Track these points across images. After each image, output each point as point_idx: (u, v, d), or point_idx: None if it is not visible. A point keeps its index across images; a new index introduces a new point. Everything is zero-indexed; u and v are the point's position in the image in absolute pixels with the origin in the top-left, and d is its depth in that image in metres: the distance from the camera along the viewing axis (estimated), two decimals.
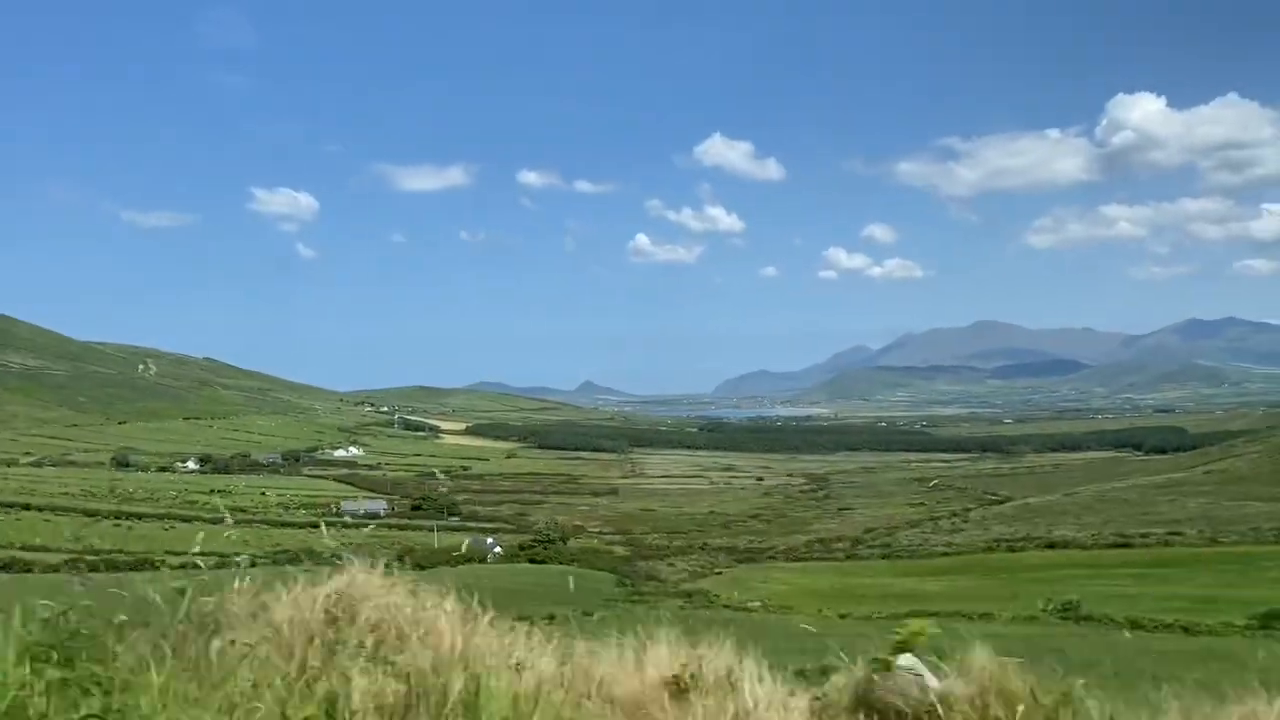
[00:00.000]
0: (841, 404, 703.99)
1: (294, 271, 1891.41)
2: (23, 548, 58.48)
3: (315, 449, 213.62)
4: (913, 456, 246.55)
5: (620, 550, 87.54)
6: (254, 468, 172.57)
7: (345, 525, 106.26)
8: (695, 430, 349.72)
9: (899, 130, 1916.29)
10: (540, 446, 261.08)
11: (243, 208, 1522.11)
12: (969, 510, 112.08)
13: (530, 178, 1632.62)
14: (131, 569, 54.66)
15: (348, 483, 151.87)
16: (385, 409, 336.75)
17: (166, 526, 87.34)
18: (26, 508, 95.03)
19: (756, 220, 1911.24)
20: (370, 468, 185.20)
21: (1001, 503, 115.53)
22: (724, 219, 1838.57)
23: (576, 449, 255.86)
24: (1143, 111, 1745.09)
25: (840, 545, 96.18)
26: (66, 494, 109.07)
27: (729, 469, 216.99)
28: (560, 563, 69.09)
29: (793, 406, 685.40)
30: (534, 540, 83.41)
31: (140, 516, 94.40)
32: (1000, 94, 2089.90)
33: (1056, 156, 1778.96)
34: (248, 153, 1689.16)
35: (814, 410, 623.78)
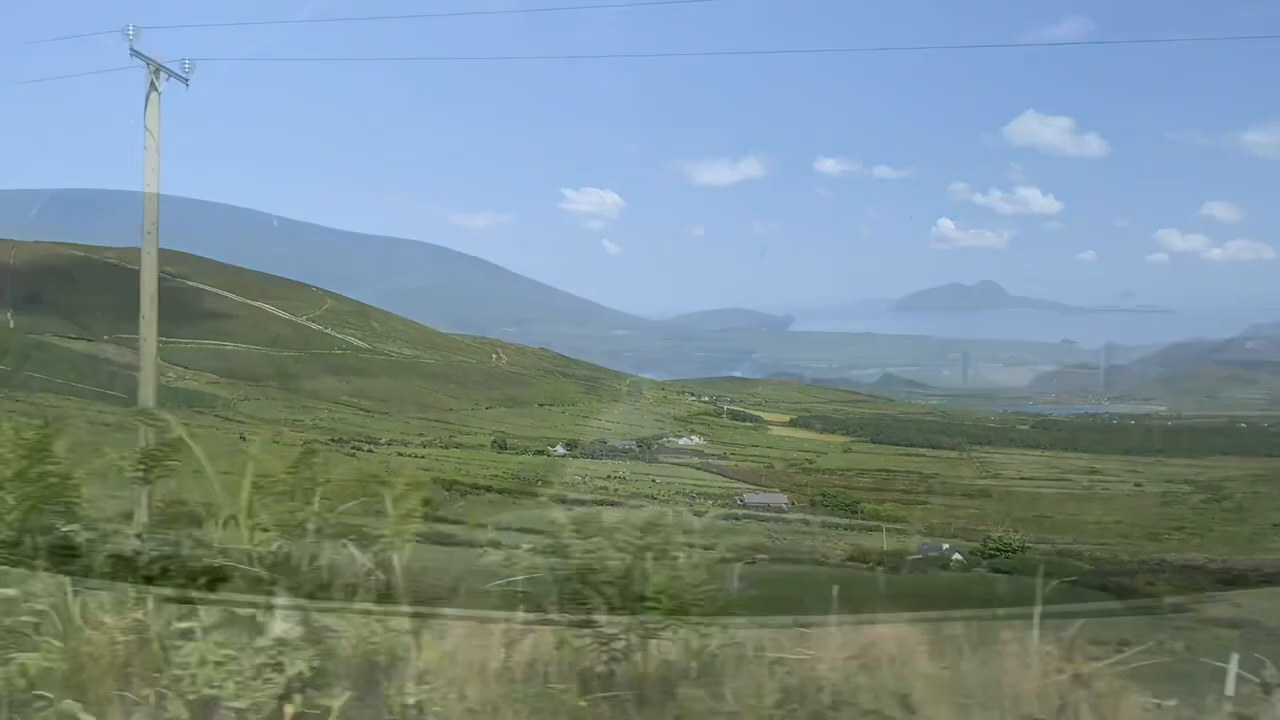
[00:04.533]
0: (1181, 401, 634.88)
1: (602, 265, 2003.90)
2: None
3: (659, 437, 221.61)
4: None
5: (1073, 562, 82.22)
6: (615, 454, 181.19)
7: (756, 519, 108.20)
8: (1026, 427, 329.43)
9: (1243, 95, 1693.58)
10: (872, 441, 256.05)
11: (554, 207, 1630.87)
12: None
13: (828, 165, 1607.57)
14: None
15: (718, 472, 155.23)
16: (705, 398, 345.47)
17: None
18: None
19: (1074, 201, 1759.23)
20: (719, 457, 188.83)
21: None
22: (1037, 200, 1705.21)
23: (910, 444, 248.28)
24: None
25: None
26: (498, 476, 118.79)
27: (1091, 472, 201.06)
28: (1023, 573, 65.29)
29: (1124, 403, 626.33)
30: (994, 548, 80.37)
31: (586, 503, 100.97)
32: None
33: None
34: (556, 156, 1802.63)
35: (1150, 408, 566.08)
